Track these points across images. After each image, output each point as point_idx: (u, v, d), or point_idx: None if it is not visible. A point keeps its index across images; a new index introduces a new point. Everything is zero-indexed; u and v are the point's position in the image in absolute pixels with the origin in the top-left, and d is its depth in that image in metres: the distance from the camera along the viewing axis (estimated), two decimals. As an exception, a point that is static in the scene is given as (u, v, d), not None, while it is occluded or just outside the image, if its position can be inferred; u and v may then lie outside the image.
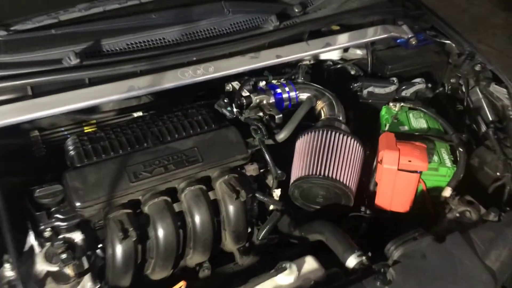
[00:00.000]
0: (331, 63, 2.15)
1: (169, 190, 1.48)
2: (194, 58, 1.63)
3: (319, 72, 2.13)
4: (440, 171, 1.71)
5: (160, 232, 1.40)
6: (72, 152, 1.46)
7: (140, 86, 1.56)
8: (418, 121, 1.90)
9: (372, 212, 1.74)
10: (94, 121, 1.74)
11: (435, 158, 1.74)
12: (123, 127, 1.55)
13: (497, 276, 1.40)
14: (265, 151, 1.57)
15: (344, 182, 1.61)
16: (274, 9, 1.86)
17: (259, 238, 1.60)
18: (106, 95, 1.54)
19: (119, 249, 1.34)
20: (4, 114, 1.46)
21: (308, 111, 1.76)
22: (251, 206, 1.63)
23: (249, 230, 1.62)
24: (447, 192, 1.67)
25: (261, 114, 1.70)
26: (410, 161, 1.63)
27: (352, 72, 2.17)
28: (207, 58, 1.67)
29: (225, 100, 1.69)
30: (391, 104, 1.93)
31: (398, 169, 1.65)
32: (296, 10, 1.91)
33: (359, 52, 2.15)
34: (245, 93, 1.75)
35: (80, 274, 1.32)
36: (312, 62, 2.10)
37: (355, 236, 1.68)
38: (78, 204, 1.36)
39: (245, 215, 1.51)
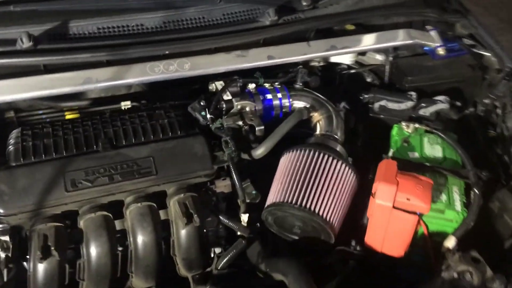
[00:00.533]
0: (345, 66, 1.87)
1: (114, 203, 1.28)
2: (167, 52, 1.40)
3: (330, 76, 1.87)
4: (446, 215, 1.42)
5: (93, 252, 1.21)
6: (11, 148, 1.29)
7: (100, 79, 1.36)
8: (433, 148, 1.60)
9: (362, 250, 1.48)
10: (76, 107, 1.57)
11: (443, 197, 1.45)
12: (75, 124, 1.36)
13: None
14: (232, 169, 1.34)
15: (325, 216, 1.36)
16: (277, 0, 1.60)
17: (218, 268, 1.38)
18: (60, 86, 1.34)
19: (38, 268, 1.16)
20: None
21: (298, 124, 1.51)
22: (216, 228, 1.41)
23: (212, 255, 1.41)
24: (450, 243, 1.38)
25: (240, 123, 1.46)
26: (408, 199, 1.35)
27: (368, 80, 1.89)
28: (185, 53, 1.44)
29: (201, 103, 1.46)
30: (404, 123, 1.64)
31: (394, 207, 1.37)
32: (304, 4, 1.64)
33: (378, 57, 1.86)
34: (227, 96, 1.51)
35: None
36: (321, 64, 1.84)
37: (341, 273, 1.44)
38: (1, 211, 1.18)
39: (198, 242, 1.29)
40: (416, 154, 1.58)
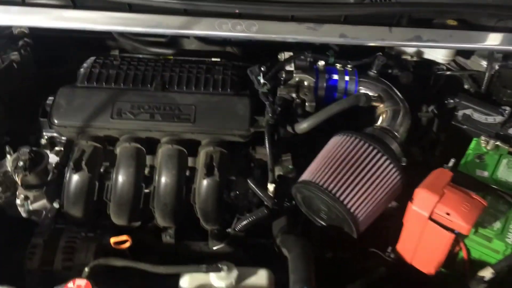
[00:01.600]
0: (443, 67, 1.71)
1: (152, 141, 1.36)
2: (236, 11, 1.42)
3: (426, 74, 1.73)
4: (493, 244, 1.23)
5: (120, 177, 1.30)
6: (81, 70, 1.44)
7: (170, 25, 1.43)
8: (510, 173, 1.39)
9: (395, 258, 1.37)
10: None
11: (497, 225, 1.25)
12: (141, 63, 1.46)
13: None
14: (266, 135, 1.32)
15: (350, 207, 1.27)
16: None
17: (235, 229, 1.39)
18: (135, 25, 1.45)
19: (71, 178, 1.29)
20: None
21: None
22: (245, 192, 1.41)
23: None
24: (487, 273, 1.20)
25: (294, 95, 1.43)
26: (448, 214, 1.20)
27: (466, 86, 1.70)
28: (257, 15, 1.45)
29: (262, 68, 1.46)
30: (483, 138, 1.45)
31: (430, 218, 1.23)
32: None
33: (483, 63, 1.66)
34: (290, 67, 1.49)
35: (27, 187, 1.32)
36: (415, 59, 1.70)
37: (367, 277, 1.35)
38: (55, 121, 1.34)
39: (216, 196, 1.31)
40: (486, 174, 1.38)
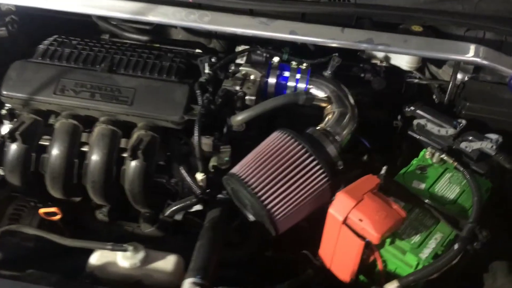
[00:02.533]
0: (414, 75, 1.66)
1: (91, 119, 1.40)
2: (190, 0, 1.44)
3: (398, 81, 1.68)
4: (407, 257, 1.18)
5: (53, 151, 1.35)
6: (40, 46, 1.50)
7: (124, 10, 1.47)
8: (449, 188, 1.33)
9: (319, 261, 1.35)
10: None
11: (416, 239, 1.20)
12: (98, 45, 1.51)
13: None
14: (196, 123, 1.33)
15: (268, 204, 1.25)
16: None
17: (164, 214, 1.41)
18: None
19: (7, 149, 1.36)
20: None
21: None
22: (181, 180, 1.43)
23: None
24: (392, 286, 1.15)
25: (238, 88, 1.43)
26: (361, 220, 1.17)
27: (434, 97, 1.64)
28: (213, 6, 1.46)
29: (212, 59, 1.47)
30: (429, 149, 1.39)
31: (344, 223, 1.20)
32: None
33: (458, 76, 1.59)
34: (241, 60, 1.49)
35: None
36: (385, 64, 1.66)
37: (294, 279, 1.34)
38: (3, 92, 1.40)
39: (142, 178, 1.33)
40: (423, 186, 1.33)
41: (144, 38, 1.69)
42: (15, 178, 1.39)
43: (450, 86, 1.53)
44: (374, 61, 1.67)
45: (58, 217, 1.40)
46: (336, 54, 1.50)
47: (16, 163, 1.37)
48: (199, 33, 1.75)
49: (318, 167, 1.29)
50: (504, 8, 1.50)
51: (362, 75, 1.67)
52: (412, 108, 1.50)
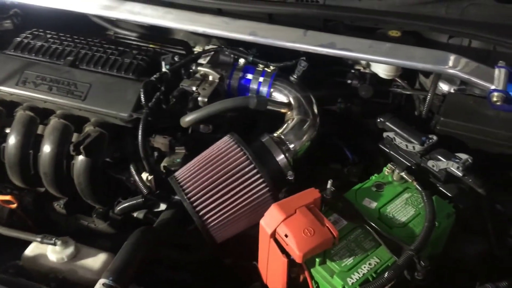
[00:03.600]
0: (400, 83, 1.53)
1: (49, 112, 1.42)
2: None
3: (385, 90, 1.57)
4: (334, 281, 1.08)
5: (10, 140, 1.38)
6: (16, 39, 1.55)
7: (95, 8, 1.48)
8: (404, 209, 1.21)
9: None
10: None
11: (349, 261, 1.10)
12: (70, 40, 1.53)
13: None
14: (141, 122, 1.30)
15: (203, 211, 1.20)
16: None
17: (114, 212, 1.40)
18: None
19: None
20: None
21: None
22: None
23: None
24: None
25: (194, 88, 1.39)
26: (286, 236, 1.09)
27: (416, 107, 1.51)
28: (179, 4, 1.44)
29: (175, 58, 1.44)
30: (389, 166, 1.27)
31: (271, 237, 1.12)
32: None
33: (441, 86, 1.45)
34: (204, 60, 1.45)
35: None
36: (368, 71, 1.55)
37: None
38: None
39: (88, 173, 1.33)
40: (374, 205, 1.22)
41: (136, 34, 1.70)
42: (-21, 163, 1.44)
43: (428, 98, 1.39)
44: (357, 67, 1.57)
45: (14, 205, 1.44)
46: (304, 58, 1.41)
47: (-24, 150, 1.42)
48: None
49: (258, 176, 1.22)
50: (497, 13, 1.34)
51: (349, 81, 1.57)
52: (381, 119, 1.38)
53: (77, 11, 1.52)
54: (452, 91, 1.43)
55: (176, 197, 1.38)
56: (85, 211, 1.49)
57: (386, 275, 1.05)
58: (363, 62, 1.54)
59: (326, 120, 1.48)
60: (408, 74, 1.53)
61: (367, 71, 1.55)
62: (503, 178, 1.30)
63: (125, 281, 1.11)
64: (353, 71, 1.57)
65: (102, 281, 1.10)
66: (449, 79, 1.43)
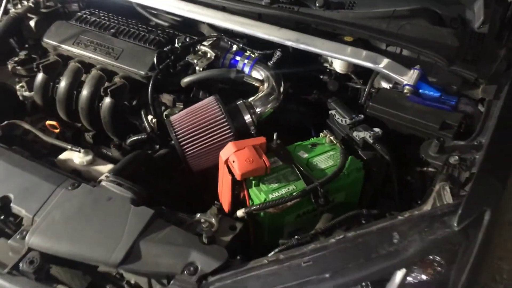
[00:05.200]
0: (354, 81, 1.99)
1: (91, 66, 1.97)
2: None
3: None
4: (261, 196, 1.53)
5: (62, 83, 1.94)
6: (78, 14, 2.12)
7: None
8: (325, 161, 1.65)
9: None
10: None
11: (274, 186, 1.55)
12: (114, 18, 2.09)
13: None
14: (152, 78, 1.82)
15: (183, 142, 1.70)
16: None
17: (126, 143, 1.91)
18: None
19: (37, 76, 1.98)
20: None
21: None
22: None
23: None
24: (239, 213, 1.52)
25: (196, 61, 1.90)
26: (234, 161, 1.56)
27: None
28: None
29: (187, 39, 1.97)
30: (324, 132, 1.73)
31: (225, 162, 1.60)
32: (317, 5, 1.88)
33: (383, 84, 1.89)
34: (208, 42, 1.96)
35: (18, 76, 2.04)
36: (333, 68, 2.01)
37: None
38: (44, 39, 2.04)
39: (109, 112, 1.86)
40: (305, 156, 1.67)
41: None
42: (39, 99, 2.01)
43: (366, 90, 1.84)
44: (325, 64, 2.03)
45: (56, 130, 1.99)
46: (279, 49, 1.90)
47: (38, 88, 1.98)
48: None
49: (226, 125, 1.71)
50: (426, 31, 1.78)
51: (321, 76, 2.04)
52: (329, 101, 1.84)
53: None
54: (387, 87, 1.86)
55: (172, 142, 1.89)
56: (105, 143, 2.02)
57: (295, 194, 1.50)
58: (329, 60, 2.00)
59: (303, 107, 1.98)
60: (363, 74, 1.98)
61: (332, 68, 2.01)
62: (410, 152, 1.71)
63: (120, 177, 1.60)
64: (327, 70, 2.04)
65: (105, 174, 1.61)
66: (388, 79, 1.86)
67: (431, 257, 1.33)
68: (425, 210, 1.41)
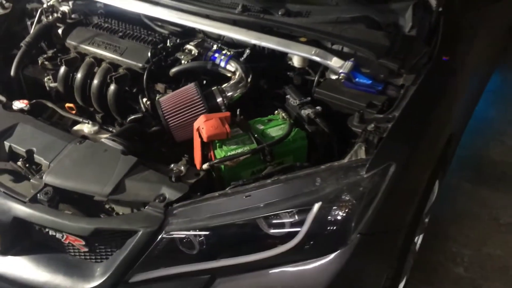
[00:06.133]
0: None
1: (102, 60, 2.49)
2: None
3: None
4: (222, 154, 2.00)
5: (79, 74, 2.47)
6: (95, 21, 2.67)
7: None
8: (276, 132, 2.09)
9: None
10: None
11: (232, 146, 2.01)
12: (124, 26, 2.62)
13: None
14: (147, 69, 2.32)
15: (168, 116, 2.18)
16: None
17: (126, 121, 2.41)
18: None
19: (59, 69, 2.51)
20: None
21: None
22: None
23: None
24: (204, 166, 1.98)
25: (183, 56, 2.40)
26: (203, 128, 2.03)
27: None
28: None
29: (177, 40, 2.48)
30: (278, 110, 2.19)
31: (196, 130, 2.07)
32: (279, 13, 2.36)
33: (332, 76, 2.35)
34: (193, 42, 2.47)
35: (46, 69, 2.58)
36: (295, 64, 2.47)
37: None
38: (67, 40, 2.58)
39: (113, 96, 2.36)
40: (261, 127, 2.13)
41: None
42: (60, 87, 2.54)
43: (316, 79, 2.29)
44: (289, 62, 2.50)
45: (74, 112, 2.50)
46: (249, 47, 2.39)
47: (61, 79, 2.51)
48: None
49: (200, 102, 2.19)
50: (362, 34, 2.24)
51: (288, 73, 2.51)
52: (285, 87, 2.31)
53: (131, 10, 2.61)
54: (332, 78, 2.31)
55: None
56: (112, 124, 2.52)
57: (246, 151, 1.95)
58: (293, 58, 2.47)
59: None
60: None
61: (294, 65, 2.47)
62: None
63: (118, 138, 2.09)
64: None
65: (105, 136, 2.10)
66: (335, 72, 2.31)
67: (344, 196, 1.75)
68: (342, 162, 1.84)
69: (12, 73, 2.59)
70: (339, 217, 1.73)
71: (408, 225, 2.01)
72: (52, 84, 2.61)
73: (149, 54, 2.37)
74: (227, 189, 1.83)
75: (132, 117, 2.37)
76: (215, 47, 2.47)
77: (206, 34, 2.58)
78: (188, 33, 2.65)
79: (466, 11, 2.49)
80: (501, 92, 4.56)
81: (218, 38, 2.50)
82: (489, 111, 4.29)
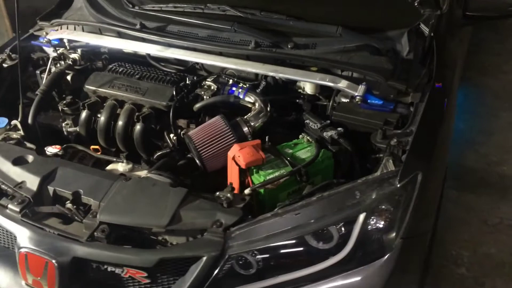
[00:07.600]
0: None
1: (124, 102, 2.60)
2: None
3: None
4: (260, 179, 2.14)
5: (102, 116, 2.56)
6: (109, 66, 2.78)
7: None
8: (305, 154, 2.27)
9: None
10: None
11: (269, 171, 2.16)
12: (138, 67, 2.75)
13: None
14: (172, 107, 2.46)
15: (200, 148, 2.31)
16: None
17: (153, 157, 2.52)
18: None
19: (81, 113, 2.60)
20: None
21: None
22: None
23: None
24: (247, 191, 2.12)
25: (203, 92, 2.55)
26: (239, 156, 2.18)
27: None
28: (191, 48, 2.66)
29: (194, 78, 2.64)
30: (302, 135, 2.37)
31: (232, 159, 2.21)
32: (289, 46, 2.57)
33: (343, 100, 2.56)
34: (210, 79, 2.63)
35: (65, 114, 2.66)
36: (305, 92, 2.67)
37: None
38: (86, 86, 2.68)
39: (140, 135, 2.47)
40: (290, 151, 2.30)
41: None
42: (82, 131, 2.62)
43: (331, 103, 2.50)
44: (299, 90, 2.70)
45: (99, 153, 2.58)
46: (265, 79, 2.58)
47: (83, 123, 2.60)
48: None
49: (230, 133, 2.34)
50: (368, 60, 2.48)
51: (297, 100, 2.70)
52: (304, 113, 2.50)
53: (141, 52, 2.75)
54: (344, 101, 2.53)
55: (189, 155, 2.49)
56: (136, 160, 2.61)
57: (284, 174, 2.11)
58: (302, 86, 2.67)
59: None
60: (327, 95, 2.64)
61: (304, 93, 2.68)
62: (366, 145, 2.34)
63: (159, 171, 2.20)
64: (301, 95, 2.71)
65: (147, 172, 2.21)
66: (345, 95, 2.53)
67: (383, 206, 1.94)
68: (376, 175, 2.03)
69: (29, 120, 2.64)
70: (381, 225, 1.91)
71: (432, 227, 2.22)
72: (71, 129, 2.69)
73: (173, 92, 2.51)
74: (276, 209, 1.97)
75: (160, 152, 2.49)
76: (230, 81, 2.64)
77: (205, 69, 2.78)
78: (189, 71, 2.82)
79: (449, 37, 2.80)
80: (464, 106, 4.96)
81: (233, 74, 2.68)
82: (458, 123, 4.66)
